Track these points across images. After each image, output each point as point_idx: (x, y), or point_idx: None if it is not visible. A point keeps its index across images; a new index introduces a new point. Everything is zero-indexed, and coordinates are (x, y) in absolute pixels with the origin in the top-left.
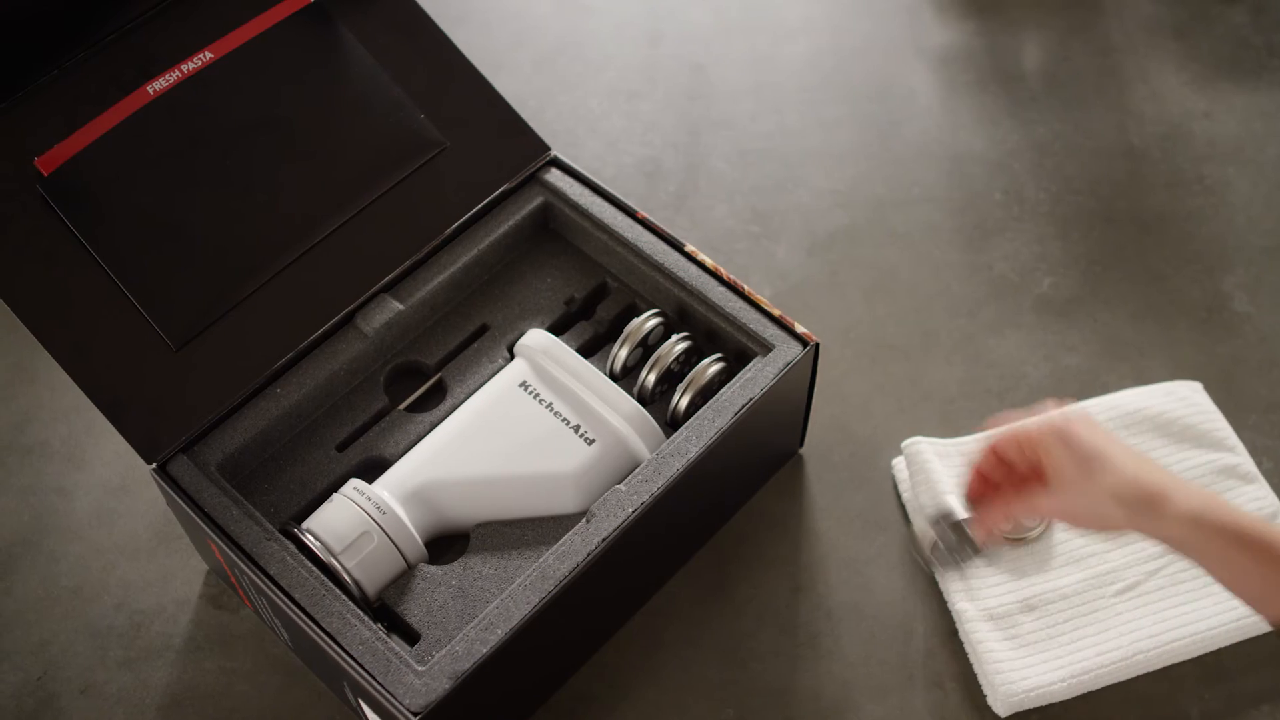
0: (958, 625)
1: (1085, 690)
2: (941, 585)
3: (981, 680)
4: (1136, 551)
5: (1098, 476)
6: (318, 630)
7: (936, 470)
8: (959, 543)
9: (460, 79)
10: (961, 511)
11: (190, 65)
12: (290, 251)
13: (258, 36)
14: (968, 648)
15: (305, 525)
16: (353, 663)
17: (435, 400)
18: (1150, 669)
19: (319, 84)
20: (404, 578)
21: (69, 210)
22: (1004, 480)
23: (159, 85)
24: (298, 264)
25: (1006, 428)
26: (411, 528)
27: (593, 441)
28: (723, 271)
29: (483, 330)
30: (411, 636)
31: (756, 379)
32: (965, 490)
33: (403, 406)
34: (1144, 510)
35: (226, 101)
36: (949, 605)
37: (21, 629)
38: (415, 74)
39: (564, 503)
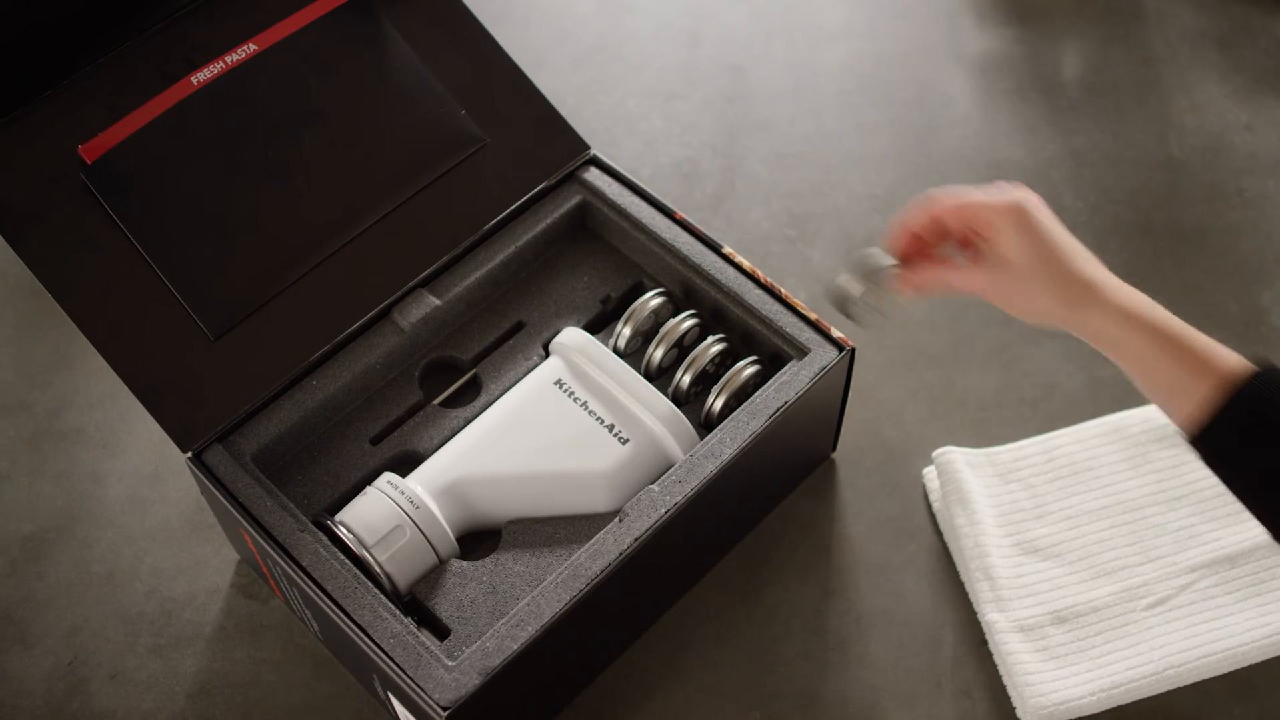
0: (987, 636)
1: (1115, 704)
2: (971, 594)
3: (1010, 691)
4: (1168, 566)
5: (1049, 266)
6: (349, 622)
7: (968, 481)
8: (879, 295)
9: (502, 76)
10: (886, 260)
11: (234, 57)
12: (329, 244)
13: (302, 29)
14: (997, 658)
15: (338, 517)
16: (383, 656)
17: (470, 396)
18: (1180, 684)
19: (361, 77)
20: (435, 572)
21: (111, 198)
22: (937, 244)
23: (203, 76)
24: (336, 257)
25: (953, 195)
26: (444, 523)
27: (626, 441)
28: (759, 274)
29: (518, 327)
30: (442, 631)
31: (792, 382)
32: (891, 242)
33: (437, 402)
34: (1077, 302)
35: (270, 93)
36: (979, 616)
37: (53, 614)
38: (457, 69)
39: (596, 501)
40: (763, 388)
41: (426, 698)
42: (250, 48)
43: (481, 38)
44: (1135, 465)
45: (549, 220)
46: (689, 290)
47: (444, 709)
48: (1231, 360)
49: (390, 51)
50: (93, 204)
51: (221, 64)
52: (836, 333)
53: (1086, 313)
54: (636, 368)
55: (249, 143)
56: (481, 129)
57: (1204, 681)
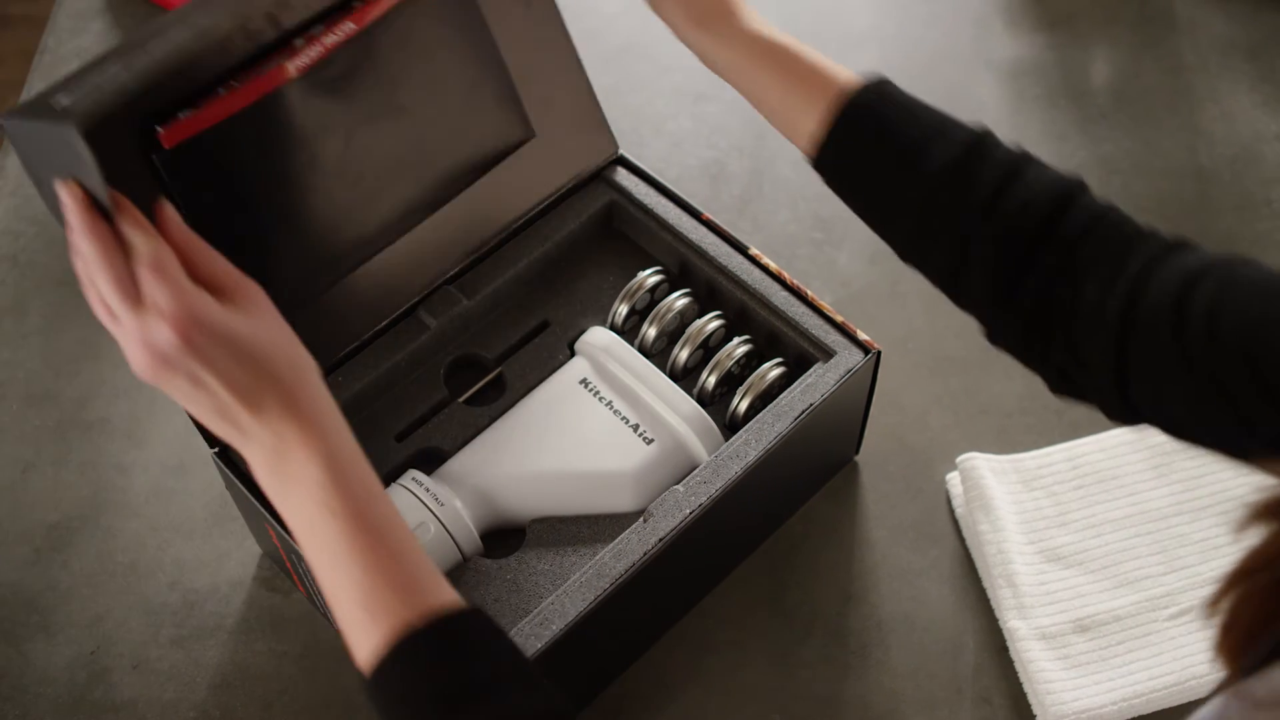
0: (1008, 643)
1: (1136, 714)
2: (993, 601)
3: (1031, 699)
4: (1192, 576)
5: None
6: None
7: (991, 487)
8: None
9: (560, 68)
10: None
11: (332, 38)
12: (377, 246)
13: (395, 8)
14: (1018, 666)
15: None
16: None
17: (494, 394)
18: (1202, 695)
19: (444, 65)
20: (459, 570)
21: (178, 184)
22: None
23: (300, 62)
24: (370, 258)
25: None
26: (468, 520)
27: (651, 441)
28: (786, 276)
29: (544, 326)
30: None
31: (817, 385)
32: None
33: (462, 399)
34: (710, 20)
35: (357, 86)
36: (1000, 623)
37: (76, 603)
38: (523, 53)
39: (621, 501)
40: (788, 390)
41: None
42: (349, 26)
43: (555, 27)
44: (1160, 474)
45: (577, 220)
46: (715, 291)
47: None
48: (846, 76)
49: (476, 40)
50: (158, 187)
51: (319, 46)
52: (862, 335)
53: (717, 39)
54: (662, 368)
55: (330, 140)
56: (531, 123)
57: None
